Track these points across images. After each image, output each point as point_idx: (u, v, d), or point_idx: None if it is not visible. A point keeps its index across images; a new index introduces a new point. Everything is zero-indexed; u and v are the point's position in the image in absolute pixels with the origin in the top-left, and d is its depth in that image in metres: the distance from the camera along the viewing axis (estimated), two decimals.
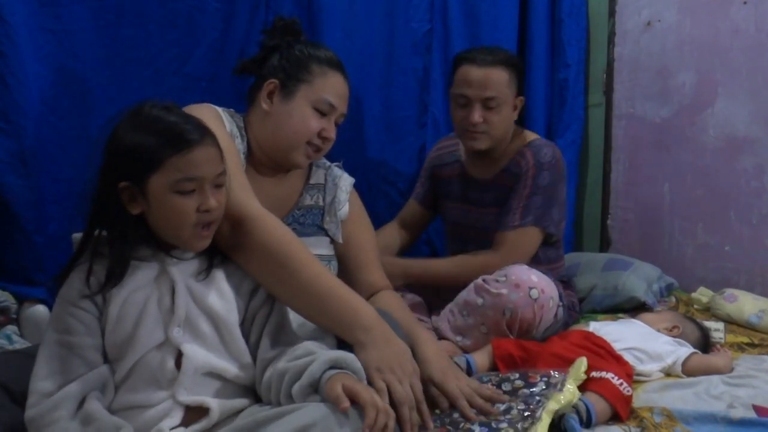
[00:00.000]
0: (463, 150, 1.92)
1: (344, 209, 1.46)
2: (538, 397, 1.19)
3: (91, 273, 1.02)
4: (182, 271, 1.07)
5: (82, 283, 1.03)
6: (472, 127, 1.74)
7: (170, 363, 1.02)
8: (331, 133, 1.40)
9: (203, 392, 1.02)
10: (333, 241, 1.46)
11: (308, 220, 1.44)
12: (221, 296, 1.08)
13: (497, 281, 1.58)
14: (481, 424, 1.15)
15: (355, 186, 1.53)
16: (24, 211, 1.63)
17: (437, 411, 1.21)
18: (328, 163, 1.54)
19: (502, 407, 1.20)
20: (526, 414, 1.15)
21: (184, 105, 1.20)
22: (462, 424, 1.16)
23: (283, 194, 1.44)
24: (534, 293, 1.55)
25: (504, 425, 1.13)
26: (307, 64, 1.38)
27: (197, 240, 1.05)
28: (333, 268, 1.44)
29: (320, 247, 1.42)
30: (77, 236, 1.07)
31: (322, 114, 1.38)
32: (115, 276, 1.02)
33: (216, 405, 1.01)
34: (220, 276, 1.10)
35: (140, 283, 1.04)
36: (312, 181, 1.49)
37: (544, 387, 1.23)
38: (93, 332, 1.02)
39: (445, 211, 1.99)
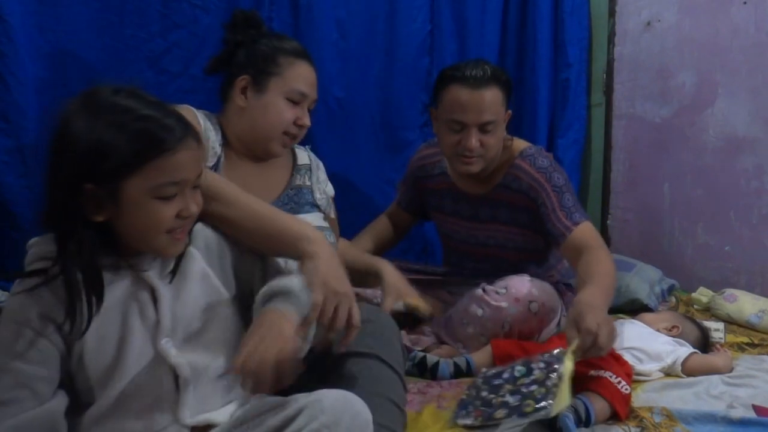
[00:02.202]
0: (448, 162, 1.81)
1: (330, 186, 1.58)
2: (552, 358, 1.22)
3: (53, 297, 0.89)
4: (155, 270, 0.97)
5: (47, 306, 0.89)
6: (469, 153, 1.61)
7: (168, 383, 0.95)
8: (306, 120, 1.45)
9: (202, 396, 0.98)
10: (326, 216, 1.56)
11: (301, 199, 1.51)
12: (205, 281, 1.01)
13: (497, 293, 1.57)
14: (512, 393, 1.18)
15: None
16: (23, 211, 1.63)
17: (463, 397, 1.25)
18: (303, 147, 1.61)
19: (524, 370, 1.23)
20: (549, 373, 1.18)
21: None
22: (494, 400, 1.19)
23: (272, 177, 1.50)
24: (534, 307, 1.54)
25: (534, 387, 1.16)
26: (275, 57, 1.42)
27: (173, 245, 0.95)
28: (331, 239, 1.52)
29: (316, 221, 1.49)
30: (36, 242, 0.96)
31: (295, 103, 1.43)
32: (94, 301, 0.89)
33: (222, 417, 0.99)
34: (197, 257, 1.01)
35: (116, 299, 0.93)
36: (299, 162, 1.56)
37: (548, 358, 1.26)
38: (49, 363, 0.89)
39: (437, 223, 1.94)
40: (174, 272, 0.98)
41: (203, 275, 1.02)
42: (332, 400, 0.89)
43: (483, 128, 1.60)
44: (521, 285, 1.56)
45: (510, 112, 1.70)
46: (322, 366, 1.11)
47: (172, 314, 0.96)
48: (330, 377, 1.09)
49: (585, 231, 1.58)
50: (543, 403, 1.11)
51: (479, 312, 1.58)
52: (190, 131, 0.92)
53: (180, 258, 0.99)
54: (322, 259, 1.07)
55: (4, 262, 1.67)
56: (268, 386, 0.92)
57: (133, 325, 0.94)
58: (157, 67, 1.77)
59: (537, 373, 1.20)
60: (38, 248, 0.94)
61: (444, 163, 1.82)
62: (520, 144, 1.75)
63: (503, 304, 1.54)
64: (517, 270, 1.71)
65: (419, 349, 1.62)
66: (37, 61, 1.63)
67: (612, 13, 2.47)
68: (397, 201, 2.00)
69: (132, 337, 0.93)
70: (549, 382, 1.15)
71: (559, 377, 1.15)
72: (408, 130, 2.21)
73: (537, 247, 1.78)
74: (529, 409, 1.11)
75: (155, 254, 0.97)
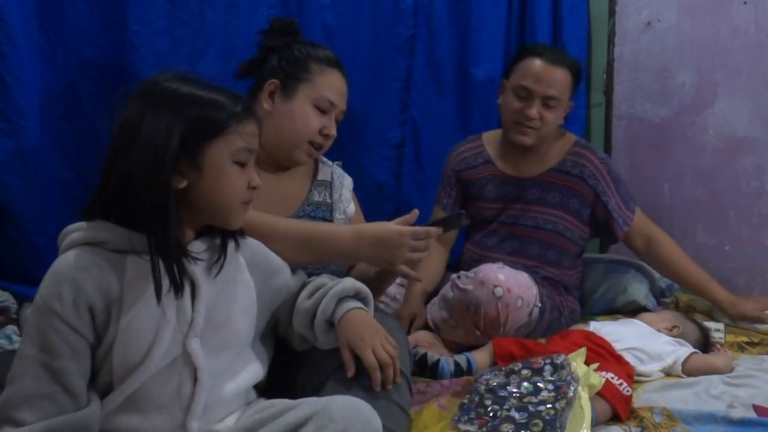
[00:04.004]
0: (494, 150, 1.92)
1: (351, 207, 1.51)
2: (561, 382, 1.22)
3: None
4: (200, 264, 0.97)
5: (89, 293, 0.89)
6: (527, 121, 1.75)
7: (186, 386, 0.94)
8: (333, 131, 1.42)
9: (210, 405, 0.97)
10: None
11: (318, 216, 1.46)
12: (245, 292, 1.04)
13: (467, 277, 1.60)
14: (517, 409, 1.17)
15: None
16: (24, 212, 1.63)
17: (464, 401, 1.24)
18: (330, 162, 1.56)
19: (531, 388, 1.23)
20: (558, 396, 1.18)
21: None
22: (498, 412, 1.18)
23: (290, 191, 1.46)
24: (498, 291, 1.55)
25: (542, 407, 1.16)
26: (307, 64, 1.39)
27: (241, 217, 1.00)
28: None
29: None
30: (79, 227, 0.94)
31: (323, 112, 1.39)
32: (181, 278, 0.91)
33: (225, 428, 0.98)
34: (241, 265, 1.05)
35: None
36: (319, 178, 1.51)
37: (552, 369, 1.26)
38: (80, 356, 0.89)
39: (476, 211, 1.95)
40: (220, 262, 1.00)
41: (247, 286, 1.05)
42: (341, 408, 0.89)
43: (546, 102, 1.74)
44: (490, 270, 1.58)
45: (572, 103, 1.84)
46: (328, 368, 1.11)
47: (207, 315, 0.96)
48: (336, 378, 1.09)
49: (640, 217, 1.87)
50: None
51: (450, 295, 1.62)
52: (255, 112, 1.01)
53: (225, 250, 1.01)
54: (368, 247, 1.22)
55: (4, 262, 1.67)
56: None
57: (168, 321, 0.93)
58: (162, 66, 1.71)
59: (545, 395, 1.20)
60: (90, 233, 0.93)
61: (486, 152, 1.93)
62: (571, 134, 1.90)
63: (469, 287, 1.57)
64: (539, 254, 1.81)
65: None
66: (39, 61, 1.63)
67: (612, 13, 2.47)
68: (441, 206, 1.99)
69: (165, 332, 0.92)
70: (558, 405, 1.15)
71: (569, 402, 1.16)
72: (389, 130, 2.25)
73: (573, 237, 1.85)
74: (537, 429, 1.12)
75: (223, 225, 1.00)
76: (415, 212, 1.26)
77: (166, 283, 0.91)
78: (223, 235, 1.02)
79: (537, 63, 1.74)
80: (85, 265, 0.90)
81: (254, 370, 1.06)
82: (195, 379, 0.95)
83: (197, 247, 0.98)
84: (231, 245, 1.03)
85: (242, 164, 0.97)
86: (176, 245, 0.92)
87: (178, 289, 0.91)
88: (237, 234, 1.05)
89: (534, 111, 1.73)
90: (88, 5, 1.67)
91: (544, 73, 1.73)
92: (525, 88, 1.74)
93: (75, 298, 0.88)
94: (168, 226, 0.89)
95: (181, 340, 0.94)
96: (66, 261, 0.91)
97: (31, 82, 1.61)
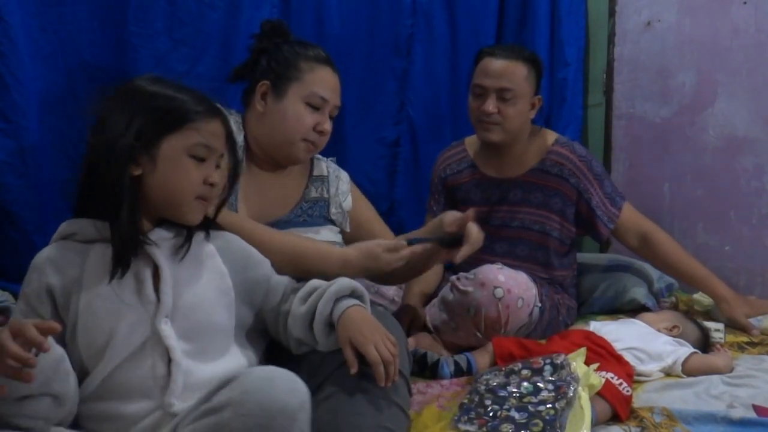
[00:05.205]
0: (474, 153, 1.92)
1: (348, 200, 1.53)
2: (561, 382, 1.21)
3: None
4: (163, 249, 1.01)
5: (51, 275, 0.97)
6: (486, 117, 1.75)
7: (160, 367, 0.95)
8: (327, 126, 1.43)
9: (191, 390, 0.97)
10: (341, 230, 1.52)
11: (316, 212, 1.48)
12: (218, 278, 1.06)
13: (467, 279, 1.60)
14: (517, 409, 1.17)
15: None
16: (23, 211, 1.63)
17: (464, 401, 1.24)
18: (325, 158, 1.58)
19: (531, 388, 1.23)
20: (558, 396, 1.18)
21: None
22: (498, 412, 1.18)
23: (287, 188, 1.48)
24: (498, 292, 1.54)
25: (542, 407, 1.15)
26: (296, 62, 1.41)
27: (195, 212, 1.03)
28: None
29: (329, 235, 1.47)
30: (68, 222, 1.04)
31: (316, 108, 1.40)
32: (126, 256, 0.96)
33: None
34: (211, 252, 1.08)
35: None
36: (315, 174, 1.53)
37: (552, 369, 1.26)
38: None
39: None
40: (184, 248, 1.03)
41: (218, 272, 1.07)
42: (257, 375, 0.85)
43: (501, 96, 1.74)
44: (489, 272, 1.58)
45: (541, 98, 1.83)
46: (326, 370, 1.11)
47: (177, 297, 0.99)
48: (335, 380, 1.09)
49: (629, 213, 1.85)
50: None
51: (450, 297, 1.61)
52: (222, 113, 1.06)
53: (191, 238, 1.04)
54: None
55: (3, 262, 1.67)
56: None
57: (129, 302, 0.97)
58: (162, 66, 1.74)
59: (545, 395, 1.20)
60: (63, 228, 1.03)
61: (469, 157, 1.93)
62: (551, 133, 1.88)
63: (469, 289, 1.56)
64: (528, 254, 1.81)
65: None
66: (39, 61, 1.63)
67: (612, 13, 2.47)
68: (432, 215, 1.99)
69: (126, 314, 0.96)
70: (558, 405, 1.15)
71: (569, 402, 1.16)
72: (385, 128, 2.26)
73: (560, 237, 1.84)
74: (537, 429, 1.11)
75: (177, 219, 1.02)
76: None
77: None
78: (188, 227, 1.05)
79: (488, 60, 1.76)
80: (52, 254, 1.00)
81: (235, 358, 1.06)
82: (169, 360, 0.96)
83: (159, 234, 1.03)
84: (200, 234, 1.07)
85: (200, 159, 1.00)
86: (129, 228, 0.96)
87: (124, 267, 0.96)
88: (210, 226, 1.09)
89: (489, 106, 1.73)
90: (88, 5, 1.67)
91: (495, 68, 1.74)
92: (479, 86, 1.76)
93: (38, 282, 0.98)
94: (121, 209, 0.95)
95: (149, 322, 0.97)
96: (39, 254, 1.02)
97: (31, 82, 1.61)
